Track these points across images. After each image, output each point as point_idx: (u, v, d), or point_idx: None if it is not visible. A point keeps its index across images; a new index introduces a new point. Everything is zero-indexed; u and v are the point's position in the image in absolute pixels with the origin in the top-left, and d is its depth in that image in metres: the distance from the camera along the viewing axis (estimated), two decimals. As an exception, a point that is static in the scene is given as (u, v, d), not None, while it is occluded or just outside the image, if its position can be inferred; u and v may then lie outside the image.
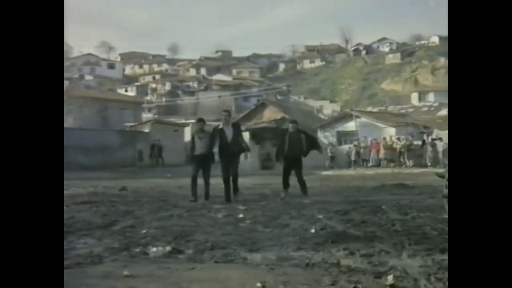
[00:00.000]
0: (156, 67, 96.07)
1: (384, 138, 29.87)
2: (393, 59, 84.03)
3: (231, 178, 10.04)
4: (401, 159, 28.09)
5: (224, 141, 9.95)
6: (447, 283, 3.62)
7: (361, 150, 30.10)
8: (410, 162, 27.60)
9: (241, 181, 10.67)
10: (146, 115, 58.00)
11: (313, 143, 11.10)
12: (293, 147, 10.48)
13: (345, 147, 32.94)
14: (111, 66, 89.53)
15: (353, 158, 29.88)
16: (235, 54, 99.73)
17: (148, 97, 74.71)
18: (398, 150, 28.35)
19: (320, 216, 7.52)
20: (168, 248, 5.17)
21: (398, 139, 29.17)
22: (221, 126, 10.22)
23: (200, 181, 10.33)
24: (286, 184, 10.65)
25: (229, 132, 10.03)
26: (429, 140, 27.99)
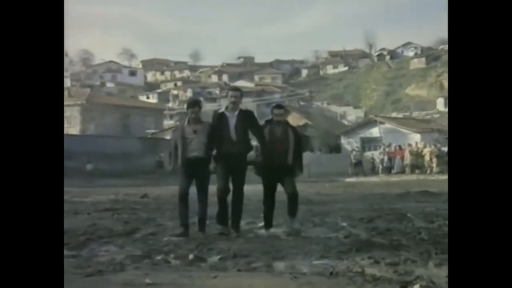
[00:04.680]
0: (177, 74, 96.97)
1: (410, 144, 29.46)
2: (418, 63, 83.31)
3: (229, 192, 6.59)
4: (431, 166, 27.46)
5: (224, 135, 6.42)
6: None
7: (383, 156, 29.79)
8: (436, 169, 27.16)
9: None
10: (168, 122, 58.51)
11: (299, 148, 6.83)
12: (277, 146, 6.52)
13: (369, 153, 32.69)
14: (133, 73, 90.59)
15: (379, 165, 29.58)
16: (257, 60, 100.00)
17: (170, 104, 75.40)
18: (428, 157, 27.76)
19: (344, 224, 7.42)
20: (190, 256, 5.13)
21: (434, 145, 28.59)
22: (222, 110, 6.68)
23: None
24: (268, 222, 6.79)
25: (233, 122, 6.45)
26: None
